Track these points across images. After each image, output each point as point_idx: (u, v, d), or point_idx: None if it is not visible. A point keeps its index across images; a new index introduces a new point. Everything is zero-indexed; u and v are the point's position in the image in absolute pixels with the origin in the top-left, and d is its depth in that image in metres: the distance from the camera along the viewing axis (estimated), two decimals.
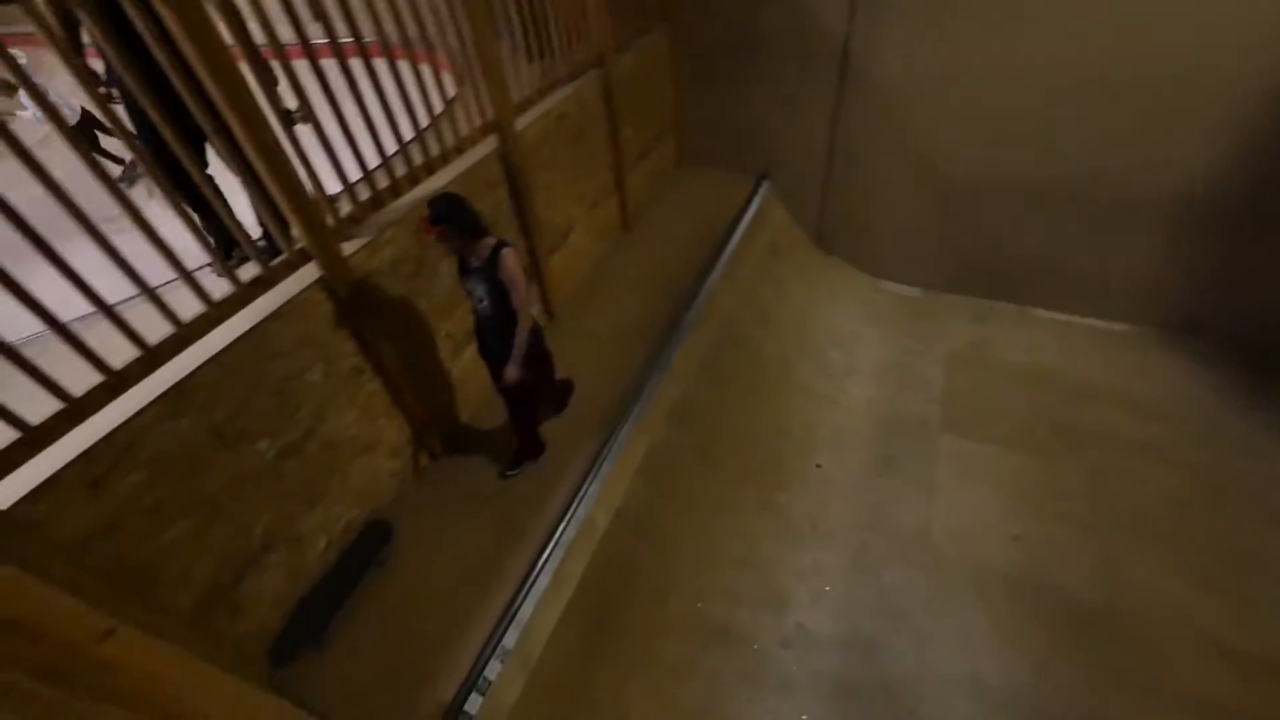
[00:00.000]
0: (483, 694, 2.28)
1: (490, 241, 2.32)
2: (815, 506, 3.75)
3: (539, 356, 2.70)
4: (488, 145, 3.18)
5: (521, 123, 3.33)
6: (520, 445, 2.98)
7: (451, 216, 2.19)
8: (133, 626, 1.30)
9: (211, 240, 2.45)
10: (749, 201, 5.09)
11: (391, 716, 2.23)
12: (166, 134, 1.84)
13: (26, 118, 5.26)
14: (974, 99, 4.41)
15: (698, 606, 3.12)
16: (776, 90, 4.98)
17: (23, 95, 5.20)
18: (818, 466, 3.99)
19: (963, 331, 4.95)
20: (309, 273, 2.37)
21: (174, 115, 1.95)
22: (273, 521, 2.37)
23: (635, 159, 4.83)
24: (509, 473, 2.97)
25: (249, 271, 2.25)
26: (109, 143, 4.90)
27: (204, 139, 2.38)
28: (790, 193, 5.45)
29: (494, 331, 2.47)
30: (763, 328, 4.63)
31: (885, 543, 3.55)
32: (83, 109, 4.55)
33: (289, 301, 2.27)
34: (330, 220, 2.37)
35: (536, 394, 2.82)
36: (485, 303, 2.40)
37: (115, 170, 4.60)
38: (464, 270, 2.38)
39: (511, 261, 2.28)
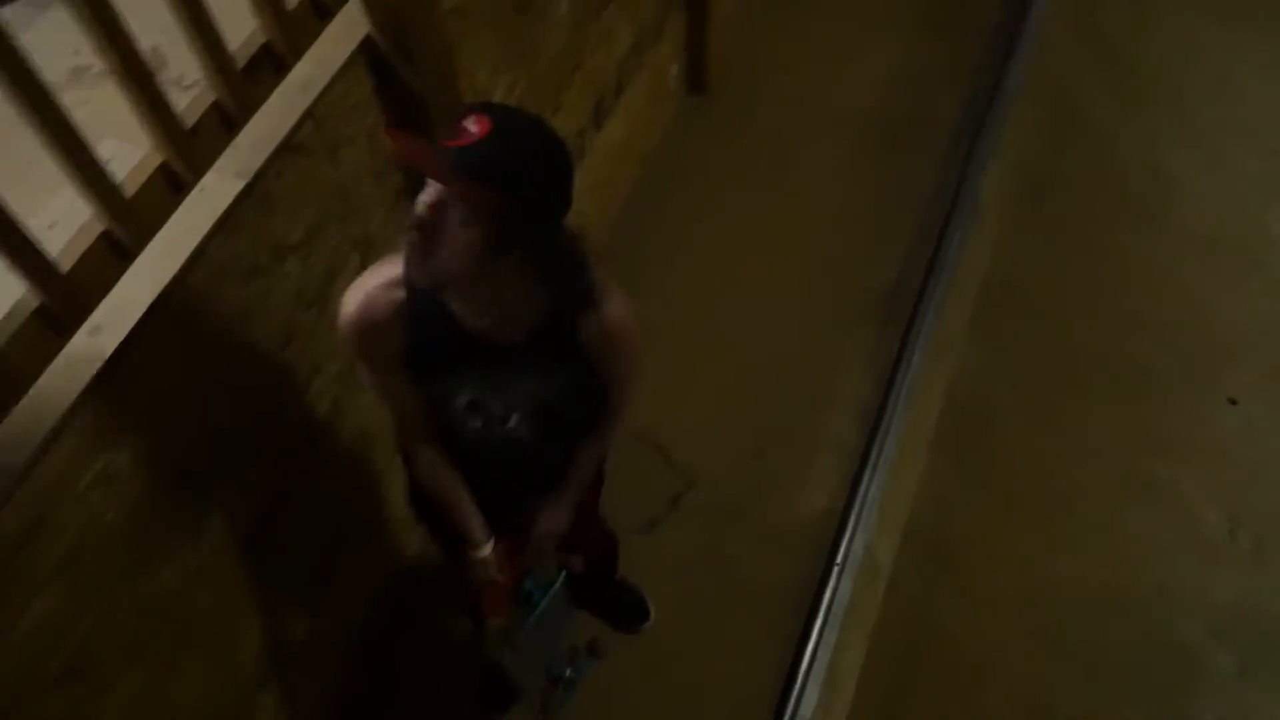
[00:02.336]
0: None
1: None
2: (1232, 483, 3.45)
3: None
4: None
5: None
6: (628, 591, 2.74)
7: (528, 181, 1.33)
8: None
9: None
10: None
11: None
12: None
13: None
14: None
15: (1035, 691, 2.96)
16: None
17: None
18: (1231, 403, 3.62)
19: None
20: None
21: None
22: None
23: None
24: (637, 626, 2.75)
25: None
26: None
27: None
28: None
29: (540, 446, 1.80)
30: (1115, 99, 4.18)
31: None
32: None
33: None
34: None
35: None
36: (530, 404, 1.70)
37: None
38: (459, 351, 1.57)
39: (621, 312, 1.58)
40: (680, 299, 3.03)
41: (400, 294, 1.45)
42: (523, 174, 1.27)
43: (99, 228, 1.37)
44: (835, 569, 2.65)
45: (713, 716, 2.56)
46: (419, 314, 1.47)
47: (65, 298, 1.34)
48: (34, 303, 1.32)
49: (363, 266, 1.99)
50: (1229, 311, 3.86)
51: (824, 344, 3.01)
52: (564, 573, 2.06)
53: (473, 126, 1.24)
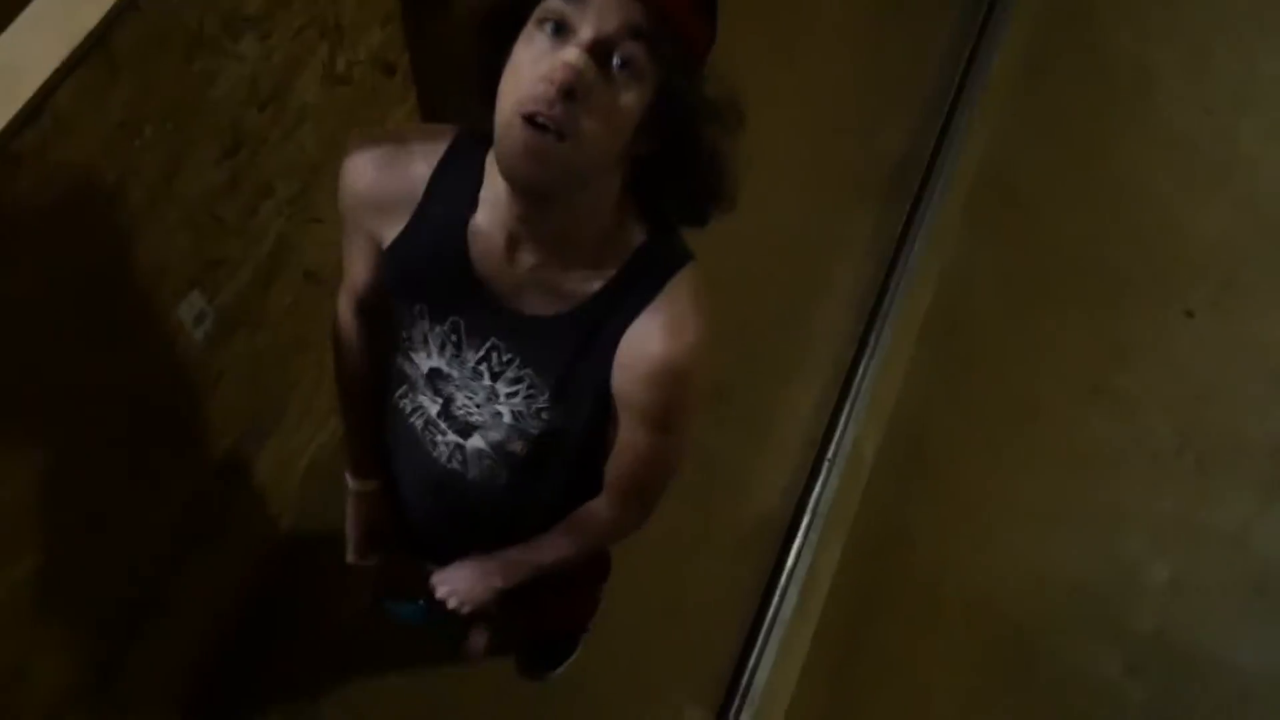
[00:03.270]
0: None
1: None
2: (1183, 398, 3.47)
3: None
4: None
5: None
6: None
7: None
8: None
9: None
10: None
11: None
12: None
13: None
14: None
15: (983, 597, 3.00)
16: None
17: None
18: (1187, 315, 3.63)
19: None
20: None
21: None
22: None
23: None
24: (551, 672, 2.32)
25: None
26: None
27: None
28: None
29: (503, 494, 1.27)
30: None
31: None
32: None
33: None
34: None
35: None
36: (508, 418, 1.14)
37: None
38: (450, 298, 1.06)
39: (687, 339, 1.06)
40: None
41: (426, 171, 1.00)
42: None
43: None
44: (826, 463, 2.53)
45: (691, 615, 2.45)
46: (428, 213, 1.01)
47: None
48: None
49: (330, 62, 1.53)
50: (1196, 222, 3.84)
51: (821, 218, 2.81)
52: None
53: None
